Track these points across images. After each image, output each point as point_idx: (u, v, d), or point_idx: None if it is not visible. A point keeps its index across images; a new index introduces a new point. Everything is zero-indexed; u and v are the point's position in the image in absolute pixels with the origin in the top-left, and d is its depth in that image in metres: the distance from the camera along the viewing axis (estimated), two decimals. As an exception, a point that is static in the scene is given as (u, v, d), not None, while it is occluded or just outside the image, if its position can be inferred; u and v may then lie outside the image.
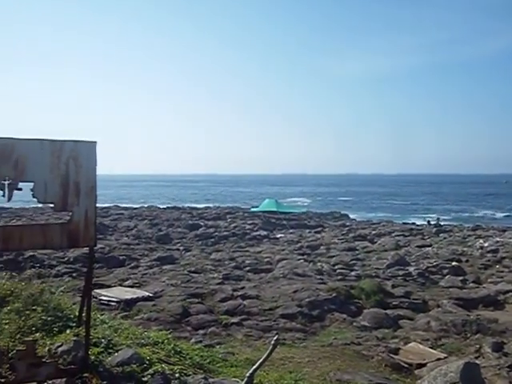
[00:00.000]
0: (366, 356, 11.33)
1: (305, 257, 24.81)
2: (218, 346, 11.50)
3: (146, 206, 59.46)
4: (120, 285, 17.50)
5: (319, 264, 22.24)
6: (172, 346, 7.66)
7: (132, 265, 22.53)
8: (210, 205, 67.38)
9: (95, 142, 5.39)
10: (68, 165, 5.20)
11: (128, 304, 14.65)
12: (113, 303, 14.55)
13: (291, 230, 37.30)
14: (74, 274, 19.50)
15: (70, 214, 5.28)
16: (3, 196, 5.00)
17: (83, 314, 6.19)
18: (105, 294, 15.15)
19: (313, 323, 14.21)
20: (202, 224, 38.71)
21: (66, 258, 22.12)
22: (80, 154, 5.26)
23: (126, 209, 53.14)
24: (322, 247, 28.83)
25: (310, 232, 36.57)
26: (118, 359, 5.85)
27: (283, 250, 27.72)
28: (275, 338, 6.20)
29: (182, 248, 28.34)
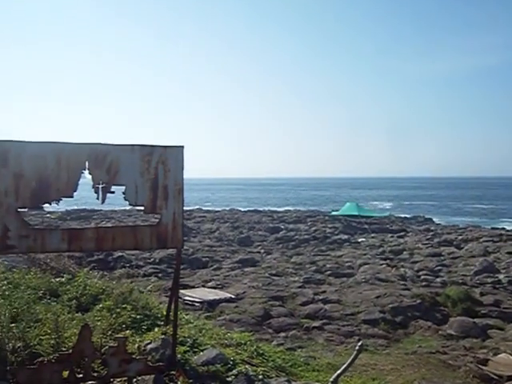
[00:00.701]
0: (452, 366, 10.92)
1: (387, 262, 24.30)
2: (299, 350, 11.50)
3: (227, 209, 60.32)
4: (203, 286, 17.91)
5: (402, 269, 21.71)
6: (255, 347, 7.73)
7: (214, 266, 22.98)
8: (290, 208, 67.44)
9: (182, 147, 5.57)
10: (157, 169, 5.40)
11: (211, 305, 14.97)
12: (197, 303, 14.91)
13: (373, 234, 36.63)
14: (160, 275, 20.19)
15: (159, 216, 5.48)
16: (97, 198, 5.27)
17: (170, 314, 6.39)
18: (189, 295, 15.55)
19: (396, 330, 13.90)
20: (282, 227, 38.81)
21: (152, 259, 22.93)
22: (168, 159, 5.45)
23: (208, 211, 54.20)
24: (405, 252, 28.12)
25: (392, 236, 35.75)
26: (203, 358, 5.98)
27: (365, 254, 27.30)
28: (359, 343, 6.13)
29: (262, 251, 28.55)
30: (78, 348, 5.00)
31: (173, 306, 5.98)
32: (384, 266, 22.80)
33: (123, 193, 5.34)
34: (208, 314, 14.07)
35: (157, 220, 5.51)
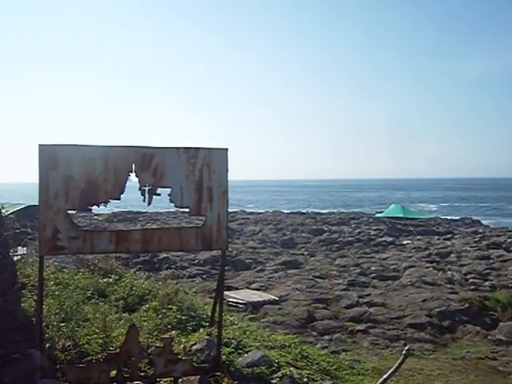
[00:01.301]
0: (502, 372, 10.61)
1: (434, 264, 23.70)
2: (343, 353, 11.38)
3: (270, 210, 60.25)
4: (247, 287, 17.95)
5: (450, 272, 21.19)
6: (299, 350, 7.69)
7: (258, 268, 22.96)
8: (334, 210, 66.84)
9: (227, 149, 5.61)
10: (202, 171, 5.46)
11: (255, 306, 14.98)
12: (240, 305, 14.96)
13: (418, 237, 35.90)
14: (204, 276, 20.33)
15: (203, 218, 5.53)
16: (144, 201, 5.36)
17: (215, 315, 6.43)
18: (233, 296, 15.61)
19: (443, 334, 13.57)
20: (325, 229, 38.49)
21: (196, 260, 23.10)
22: (213, 161, 5.50)
23: (251, 213, 54.26)
24: (452, 255, 27.40)
25: (438, 239, 34.91)
26: (247, 360, 6.00)
27: (410, 256, 26.76)
28: (406, 348, 6.03)
29: (306, 253, 28.37)
30: (126, 348, 5.09)
31: (217, 308, 6.02)
32: (430, 268, 22.29)
33: (169, 195, 5.42)
34: (252, 315, 14.08)
35: (201, 222, 5.57)
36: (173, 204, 5.45)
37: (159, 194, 5.41)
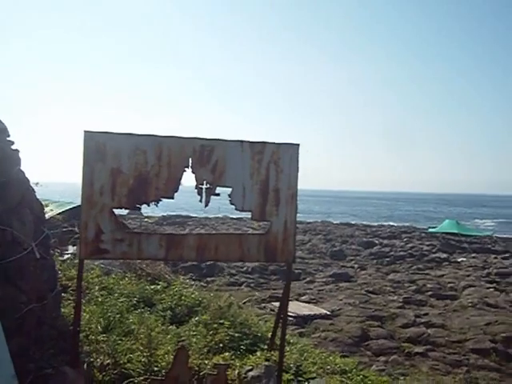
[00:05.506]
0: None
1: (494, 285, 22.35)
2: (402, 378, 10.49)
3: (319, 221, 59.30)
4: (297, 299, 17.19)
5: (513, 294, 19.82)
6: (361, 377, 7.01)
7: (307, 279, 22.26)
8: (384, 223, 65.27)
9: (298, 145, 4.82)
10: (269, 169, 4.70)
11: (305, 320, 14.28)
12: (290, 318, 14.23)
13: (473, 254, 34.27)
14: (252, 285, 19.74)
15: (268, 223, 4.78)
16: (200, 201, 4.64)
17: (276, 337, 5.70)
18: (282, 308, 14.91)
19: (510, 362, 12.52)
20: (376, 242, 37.32)
21: (244, 268, 22.52)
22: (281, 158, 4.74)
23: (300, 222, 53.39)
24: (514, 275, 25.86)
25: (495, 257, 33.21)
26: (310, 390, 5.25)
27: (468, 275, 25.36)
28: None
29: (356, 265, 27.49)
30: (173, 373, 4.37)
31: (280, 332, 5.28)
32: (491, 289, 20.96)
33: (229, 195, 4.68)
34: (301, 329, 13.39)
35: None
36: (233, 206, 4.70)
37: (218, 194, 4.68)
